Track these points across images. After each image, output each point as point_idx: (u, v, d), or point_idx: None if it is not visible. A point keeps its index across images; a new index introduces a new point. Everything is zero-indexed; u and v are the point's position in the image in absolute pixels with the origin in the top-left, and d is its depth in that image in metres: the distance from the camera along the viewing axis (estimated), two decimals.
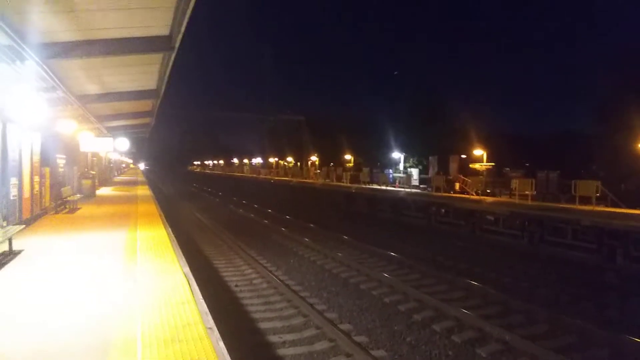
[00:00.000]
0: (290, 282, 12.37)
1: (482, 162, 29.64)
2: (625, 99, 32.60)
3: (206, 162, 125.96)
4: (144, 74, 11.60)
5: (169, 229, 12.55)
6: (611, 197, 19.74)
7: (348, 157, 47.34)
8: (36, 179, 14.00)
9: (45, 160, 15.10)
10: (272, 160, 72.98)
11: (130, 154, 69.98)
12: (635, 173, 26.15)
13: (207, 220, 26.00)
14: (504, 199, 23.78)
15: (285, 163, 67.15)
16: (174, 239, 11.11)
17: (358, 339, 8.35)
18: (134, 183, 40.92)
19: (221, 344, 4.63)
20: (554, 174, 23.89)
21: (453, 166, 31.93)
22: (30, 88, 7.67)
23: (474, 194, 25.77)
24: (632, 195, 20.73)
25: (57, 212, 16.19)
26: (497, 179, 28.35)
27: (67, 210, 16.87)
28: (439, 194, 27.09)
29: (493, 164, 29.81)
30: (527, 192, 21.57)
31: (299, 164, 63.42)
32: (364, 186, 35.23)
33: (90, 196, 22.38)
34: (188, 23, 7.52)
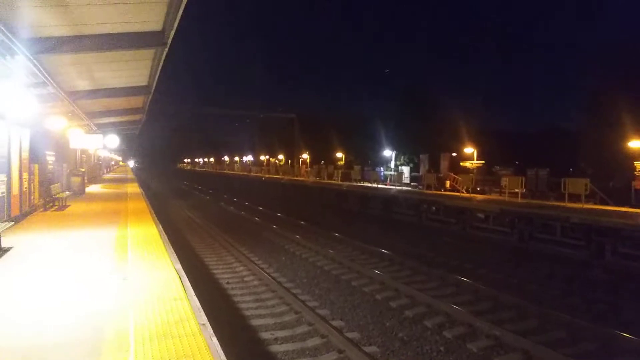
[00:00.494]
0: (282, 279, 12.37)
1: (473, 160, 29.80)
2: (613, 96, 32.90)
3: (196, 160, 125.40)
4: (135, 69, 11.51)
5: (160, 227, 12.48)
6: (600, 195, 19.95)
7: (339, 155, 47.37)
8: (25, 175, 13.85)
9: (34, 156, 14.96)
10: (263, 157, 72.82)
11: (119, 151, 69.51)
12: (623, 170, 26.41)
13: (198, 218, 25.90)
14: (494, 196, 23.93)
15: (277, 161, 67.05)
16: (165, 236, 11.05)
17: (350, 335, 8.37)
18: (123, 181, 40.65)
19: (215, 339, 4.62)
20: (543, 171, 24.09)
21: (444, 164, 32.10)
22: (19, 83, 7.58)
23: (465, 191, 25.92)
24: (620, 193, 20.94)
25: (46, 210, 16.04)
26: (487, 176, 28.54)
27: (56, 207, 16.72)
28: (430, 191, 27.22)
29: (483, 162, 29.98)
30: (516, 190, 21.73)
31: (289, 161, 63.36)
32: (355, 184, 35.28)
33: (79, 193, 22.21)
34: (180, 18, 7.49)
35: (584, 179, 19.55)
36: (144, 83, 13.46)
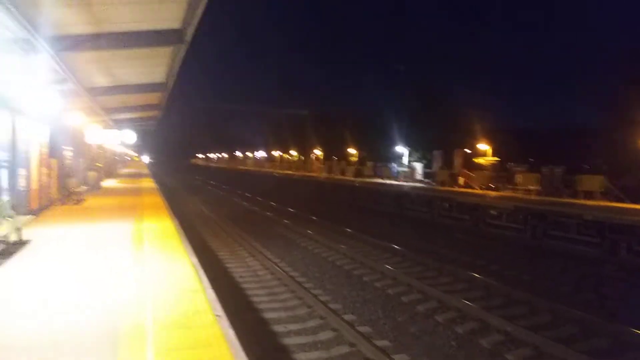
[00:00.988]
0: (295, 274, 12.50)
1: (487, 156, 29.65)
2: (630, 93, 32.49)
3: (210, 155, 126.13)
4: (154, 67, 11.69)
5: (175, 221, 12.68)
6: (616, 192, 19.78)
7: (352, 151, 47.35)
8: (44, 170, 14.16)
9: (52, 152, 15.26)
10: (275, 153, 73.01)
11: (134, 146, 70.20)
12: (636, 168, 26.12)
13: (212, 212, 26.17)
14: (507, 193, 23.83)
15: (289, 156, 67.22)
16: (181, 230, 11.24)
17: (362, 329, 8.47)
18: (138, 176, 41.14)
19: (230, 330, 4.75)
20: (558, 169, 23.89)
21: (457, 161, 31.94)
22: (42, 80, 7.79)
23: (478, 188, 25.83)
24: (636, 190, 20.74)
25: (63, 204, 16.34)
26: (501, 173, 28.38)
27: (73, 201, 17.01)
28: (443, 188, 27.17)
29: (498, 158, 29.81)
30: (531, 187, 21.62)
31: (302, 157, 63.47)
32: (367, 180, 35.31)
33: (95, 188, 22.56)
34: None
35: (599, 176, 19.41)
36: (162, 80, 13.64)
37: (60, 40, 7.58)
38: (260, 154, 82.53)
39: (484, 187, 25.55)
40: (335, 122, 59.33)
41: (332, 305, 9.81)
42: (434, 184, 30.24)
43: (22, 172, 11.39)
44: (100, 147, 29.03)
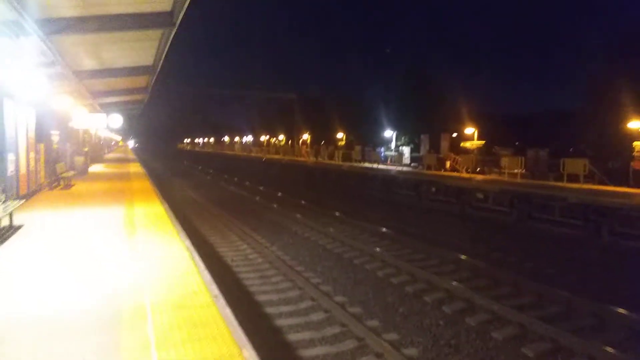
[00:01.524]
0: (286, 257, 12.63)
1: (473, 140, 29.95)
2: (614, 78, 32.91)
3: (196, 140, 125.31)
4: (142, 49, 11.62)
5: (166, 205, 12.72)
6: (598, 175, 20.17)
7: (340, 135, 47.44)
8: (31, 155, 14.05)
9: (39, 136, 15.13)
10: (263, 138, 72.83)
11: (119, 131, 69.51)
12: (622, 151, 26.59)
13: (200, 197, 26.15)
14: (493, 176, 24.14)
15: (277, 141, 67.10)
16: (172, 214, 11.29)
17: (352, 310, 8.66)
18: (125, 160, 40.87)
19: (227, 310, 4.88)
20: (543, 152, 24.29)
21: (444, 144, 32.25)
22: (30, 63, 7.73)
23: (465, 172, 26.13)
24: (619, 173, 21.16)
25: (51, 189, 16.26)
26: (487, 157, 28.72)
27: (61, 186, 16.93)
28: (430, 172, 27.43)
29: (483, 142, 30.14)
30: (516, 170, 21.95)
31: (290, 142, 63.42)
32: (355, 164, 35.46)
33: (83, 173, 22.43)
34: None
35: (583, 159, 19.77)
36: (149, 63, 13.56)
37: (50, 23, 7.52)
38: (248, 138, 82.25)
39: (470, 170, 25.85)
40: (323, 107, 59.27)
41: (323, 287, 9.98)
42: (421, 167, 30.49)
43: (10, 156, 11.32)
44: (86, 131, 28.75)
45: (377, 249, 12.95)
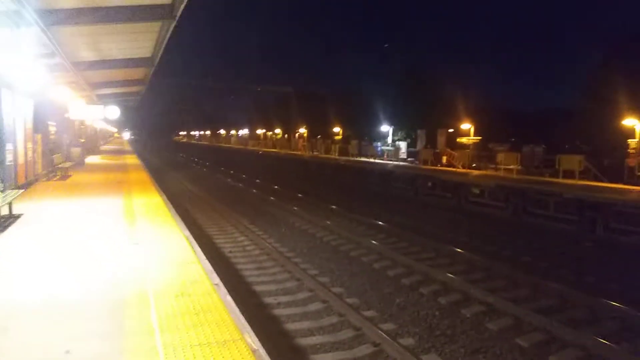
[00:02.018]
0: (283, 249, 12.72)
1: (470, 136, 30.05)
2: (610, 76, 33.06)
3: (192, 133, 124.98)
4: (141, 41, 11.63)
5: (164, 196, 12.78)
6: (593, 172, 20.31)
7: (337, 129, 47.46)
8: (29, 145, 14.06)
9: (37, 127, 15.13)
10: (259, 131, 72.73)
11: (116, 122, 69.27)
12: (617, 148, 26.76)
13: (197, 189, 26.20)
14: (489, 172, 24.26)
15: (273, 134, 67.05)
16: (170, 205, 11.35)
17: (349, 300, 8.77)
18: (121, 152, 40.82)
19: (228, 297, 4.96)
20: (539, 148, 24.39)
21: (441, 140, 32.30)
22: (30, 54, 7.75)
23: (461, 167, 26.24)
24: (614, 170, 21.31)
25: (48, 179, 16.27)
26: (483, 152, 28.82)
27: (58, 177, 16.95)
28: (427, 166, 27.53)
29: (480, 137, 30.25)
30: (512, 166, 22.08)
31: (286, 135, 63.37)
32: (352, 159, 35.53)
33: (79, 164, 22.42)
34: None
35: (579, 155, 19.91)
36: (148, 55, 13.57)
37: (50, 14, 7.54)
38: (244, 131, 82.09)
39: (466, 165, 25.97)
40: (320, 101, 59.25)
41: (320, 279, 10.08)
42: (417, 162, 30.59)
43: (8, 146, 11.34)
44: (82, 123, 28.68)
45: (374, 242, 13.05)
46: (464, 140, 30.51)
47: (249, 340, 3.99)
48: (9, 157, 11.34)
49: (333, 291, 9.16)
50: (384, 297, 9.14)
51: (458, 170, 25.34)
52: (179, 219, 9.51)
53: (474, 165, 26.51)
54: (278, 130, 66.74)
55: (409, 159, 33.96)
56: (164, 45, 11.89)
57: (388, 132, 41.00)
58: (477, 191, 20.43)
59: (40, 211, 10.04)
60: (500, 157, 23.38)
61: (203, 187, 27.10)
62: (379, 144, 40.01)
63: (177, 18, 8.81)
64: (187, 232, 8.10)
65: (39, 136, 15.60)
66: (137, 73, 17.40)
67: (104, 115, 21.73)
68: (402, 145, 36.30)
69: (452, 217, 18.42)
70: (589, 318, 8.19)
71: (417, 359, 6.42)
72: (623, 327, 7.77)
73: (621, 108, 27.07)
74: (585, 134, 35.18)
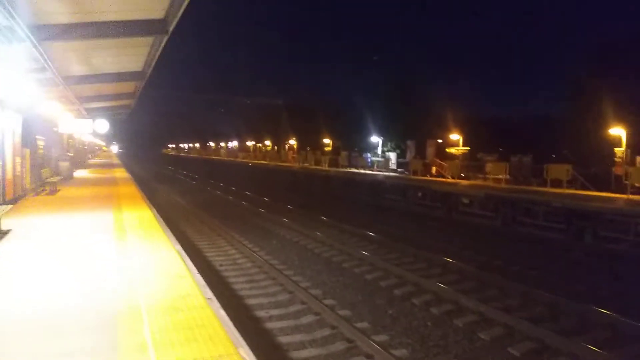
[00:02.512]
0: (274, 262, 12.68)
1: (458, 146, 30.31)
2: (595, 84, 33.59)
3: (181, 145, 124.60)
4: (132, 55, 11.66)
5: (154, 210, 12.71)
6: (581, 181, 20.56)
7: (326, 140, 47.60)
8: (17, 160, 13.94)
9: (25, 141, 15.01)
10: (249, 143, 72.73)
11: (104, 136, 68.89)
12: (603, 157, 27.11)
13: (187, 203, 26.08)
14: (478, 182, 24.46)
15: (263, 147, 67.07)
16: (160, 219, 11.30)
17: (342, 312, 8.76)
18: (109, 166, 40.55)
19: (222, 312, 4.94)
20: (527, 158, 24.68)
21: (430, 150, 32.57)
22: (20, 69, 7.72)
23: (450, 177, 26.42)
24: (601, 179, 21.59)
25: (37, 194, 16.10)
26: (471, 162, 29.08)
27: (46, 191, 16.78)
28: (417, 177, 27.69)
29: (468, 148, 30.52)
30: (500, 176, 22.30)
31: (275, 147, 63.43)
32: (342, 170, 35.63)
33: (68, 178, 22.24)
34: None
35: (566, 165, 20.15)
36: (139, 69, 13.59)
37: (43, 29, 7.54)
38: (234, 144, 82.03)
39: (455, 176, 26.16)
40: (309, 112, 59.44)
41: (312, 291, 10.06)
42: (407, 173, 30.75)
43: None
44: (70, 136, 28.51)
45: (366, 253, 13.07)
46: (453, 150, 30.76)
47: (243, 354, 3.98)
48: None
49: (325, 303, 9.14)
50: (377, 308, 9.15)
51: (447, 180, 25.53)
52: (169, 232, 9.46)
53: (463, 175, 26.73)
54: (268, 142, 66.77)
55: (398, 169, 34.16)
56: (155, 60, 11.93)
57: (378, 143, 41.18)
58: (466, 201, 20.56)
59: (30, 226, 9.94)
60: (489, 167, 23.62)
61: (193, 201, 26.99)
62: (368, 155, 40.18)
63: (169, 33, 8.86)
64: (179, 246, 8.06)
65: (27, 151, 15.47)
66: (128, 87, 17.40)
67: (93, 129, 21.62)
68: (392, 156, 36.52)
69: (443, 227, 18.52)
70: (580, 326, 8.26)
71: None
72: (614, 335, 7.84)
73: (606, 117, 27.47)
74: (571, 143, 35.62)
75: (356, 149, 44.11)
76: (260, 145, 68.78)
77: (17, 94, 8.89)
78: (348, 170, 35.50)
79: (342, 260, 12.79)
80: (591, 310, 8.60)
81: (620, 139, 21.30)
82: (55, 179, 18.45)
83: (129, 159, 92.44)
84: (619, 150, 21.02)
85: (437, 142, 33.39)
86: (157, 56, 11.51)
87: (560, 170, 19.83)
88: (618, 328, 7.97)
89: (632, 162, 20.26)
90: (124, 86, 17.04)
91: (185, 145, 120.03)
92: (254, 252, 13.60)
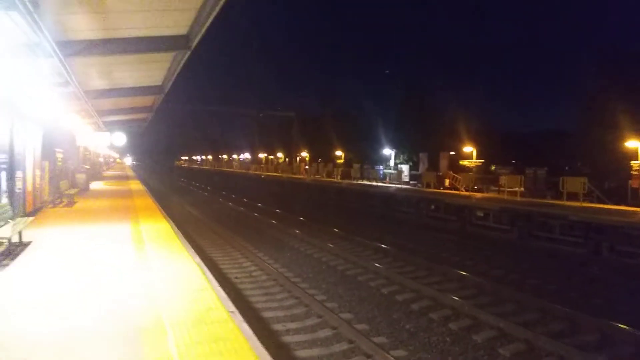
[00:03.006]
0: (289, 274, 12.68)
1: (472, 158, 30.23)
2: (610, 97, 33.38)
3: (194, 157, 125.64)
4: (154, 70, 11.86)
5: (171, 222, 12.82)
6: (597, 194, 20.39)
7: (339, 153, 47.74)
8: (37, 172, 14.17)
9: (44, 154, 15.27)
10: (261, 155, 73.12)
11: (117, 148, 69.69)
12: (618, 170, 26.88)
13: (200, 214, 26.20)
14: (492, 195, 24.33)
15: (275, 158, 67.39)
16: (178, 231, 11.39)
17: (359, 326, 8.72)
18: (124, 178, 40.95)
19: (245, 325, 4.98)
20: (541, 171, 24.55)
21: (443, 163, 32.52)
22: (45, 83, 7.90)
23: (463, 190, 26.32)
24: (616, 192, 21.40)
25: (54, 206, 16.33)
26: (485, 175, 28.97)
27: (64, 203, 17.01)
28: (430, 189, 27.61)
29: (483, 160, 30.43)
30: (515, 189, 22.17)
31: (287, 159, 63.69)
32: (354, 182, 35.64)
33: (84, 190, 22.52)
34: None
35: (582, 177, 20.00)
36: (159, 83, 13.81)
37: (69, 45, 7.73)
38: (246, 156, 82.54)
39: (469, 188, 26.06)
40: (321, 125, 59.66)
41: (328, 304, 10.03)
42: (420, 185, 30.69)
43: (18, 174, 11.44)
44: (85, 149, 28.90)
45: (380, 266, 13.03)
46: (466, 163, 30.69)
47: None
48: (18, 185, 11.43)
49: (342, 317, 9.12)
50: (394, 323, 9.10)
51: (461, 193, 25.42)
52: (187, 245, 9.53)
53: (476, 187, 26.61)
54: (280, 154, 67.07)
55: (411, 182, 34.11)
56: (175, 75, 12.11)
57: (390, 155, 41.20)
58: (481, 214, 20.45)
59: (49, 238, 10.08)
60: (503, 179, 23.49)
61: (206, 212, 27.11)
62: (381, 167, 40.19)
63: (192, 48, 9.02)
64: (198, 259, 8.13)
65: (46, 163, 15.73)
66: (146, 100, 17.66)
67: (110, 142, 21.92)
68: (405, 168, 36.49)
69: (457, 240, 18.39)
70: (600, 341, 8.15)
71: None
72: (635, 351, 7.73)
73: (621, 130, 27.28)
74: (585, 156, 35.38)
75: (368, 162, 44.18)
76: (272, 157, 69.09)
77: (40, 108, 9.07)
78: (361, 182, 35.49)
79: (357, 273, 12.76)
80: (611, 325, 8.49)
81: (636, 152, 21.14)
82: (73, 191, 18.70)
83: (143, 171, 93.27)
84: (635, 164, 20.83)
85: (450, 154, 33.36)
86: (177, 71, 11.69)
87: (576, 183, 19.68)
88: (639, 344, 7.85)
89: None
90: (142, 100, 17.31)
91: (198, 157, 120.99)
92: (268, 264, 13.62)
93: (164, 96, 15.70)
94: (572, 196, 19.48)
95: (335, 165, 44.87)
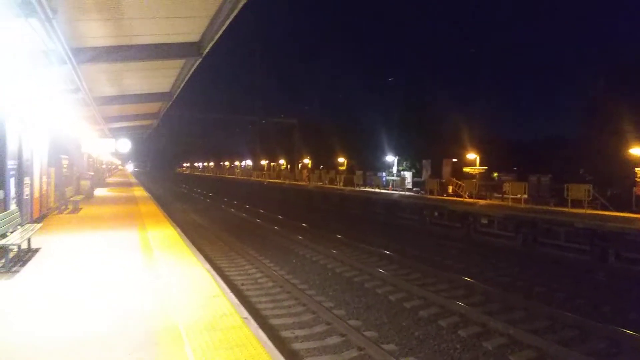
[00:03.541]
0: (295, 281, 12.66)
1: (475, 165, 30.24)
2: (613, 104, 33.41)
3: (195, 164, 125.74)
4: (163, 77, 11.92)
5: (178, 229, 12.82)
6: (601, 201, 20.37)
7: (341, 160, 47.76)
8: (44, 179, 14.20)
9: (51, 160, 15.30)
10: (263, 162, 73.22)
11: (120, 154, 69.80)
12: (622, 177, 26.85)
13: (203, 220, 26.18)
14: (496, 201, 24.31)
15: (277, 165, 67.45)
16: (185, 237, 11.39)
17: (368, 333, 8.70)
18: (127, 184, 41.01)
19: (260, 331, 4.97)
20: (545, 177, 24.52)
21: (446, 169, 32.52)
22: (56, 90, 7.95)
23: (467, 197, 26.30)
24: (620, 199, 21.38)
25: (60, 212, 16.36)
26: (488, 182, 28.97)
27: (70, 210, 17.04)
28: (433, 196, 27.59)
29: (486, 167, 30.43)
30: (519, 196, 22.16)
31: (289, 166, 63.74)
32: (357, 189, 35.62)
33: (89, 197, 22.54)
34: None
35: (587, 184, 19.99)
36: (167, 90, 13.87)
37: (82, 52, 7.79)
38: (248, 162, 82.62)
39: (472, 195, 26.04)
40: (324, 132, 59.73)
41: (336, 311, 10.01)
42: (423, 192, 30.69)
43: (26, 180, 11.47)
44: (90, 155, 28.96)
45: (386, 273, 13.01)
46: (469, 169, 30.70)
47: None
48: (26, 191, 11.46)
49: (350, 324, 9.10)
50: (403, 330, 9.08)
51: (465, 199, 25.40)
52: (196, 251, 9.53)
53: (480, 194, 26.59)
54: (282, 161, 67.13)
55: (414, 189, 34.08)
56: (185, 81, 12.16)
57: (393, 162, 41.22)
58: (485, 221, 20.42)
59: (58, 244, 10.09)
60: (507, 186, 23.48)
61: (209, 219, 27.10)
62: (384, 174, 40.18)
63: (203, 55, 9.07)
64: (208, 265, 8.13)
65: (52, 170, 15.76)
66: (153, 107, 17.72)
67: (115, 149, 21.97)
68: (408, 175, 36.46)
69: (462, 247, 18.38)
70: (610, 348, 8.13)
71: None
72: None
73: (625, 137, 27.29)
74: (588, 163, 35.36)
75: (371, 168, 44.18)
76: (274, 164, 69.16)
77: (49, 114, 9.11)
78: (363, 189, 35.48)
79: (364, 280, 12.73)
80: (620, 332, 8.46)
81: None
82: (78, 197, 18.72)
83: (145, 177, 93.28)
84: None
85: (453, 161, 33.36)
86: (187, 78, 11.74)
87: (580, 190, 19.67)
88: None
89: None
90: (149, 106, 17.37)
91: (200, 164, 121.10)
92: (274, 271, 13.60)
93: (170, 103, 15.75)
94: (576, 203, 19.46)
95: (338, 172, 44.89)
